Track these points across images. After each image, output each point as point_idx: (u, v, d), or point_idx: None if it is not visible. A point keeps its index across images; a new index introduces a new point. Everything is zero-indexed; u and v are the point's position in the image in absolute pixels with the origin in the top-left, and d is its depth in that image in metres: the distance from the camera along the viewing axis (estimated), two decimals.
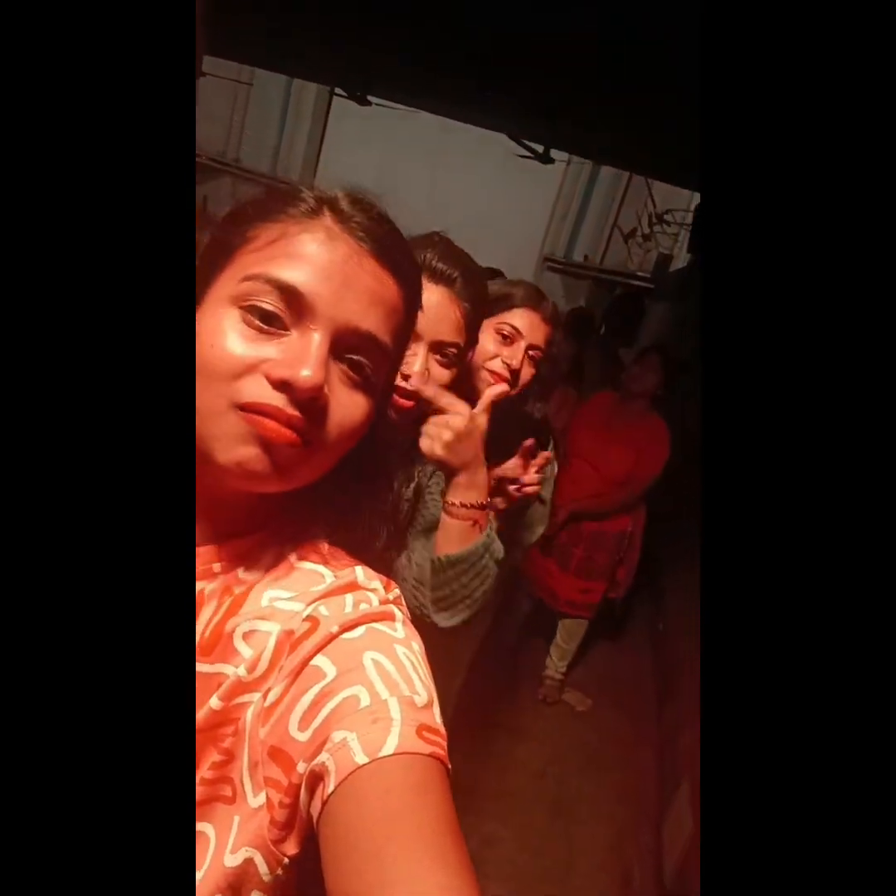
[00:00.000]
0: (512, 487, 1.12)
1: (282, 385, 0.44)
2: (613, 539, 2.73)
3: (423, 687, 0.43)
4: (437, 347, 0.96)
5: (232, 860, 0.42)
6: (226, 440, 0.45)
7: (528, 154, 4.31)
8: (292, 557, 0.52)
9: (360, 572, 0.51)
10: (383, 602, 0.49)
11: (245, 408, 0.44)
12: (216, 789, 0.45)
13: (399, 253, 0.50)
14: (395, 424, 0.57)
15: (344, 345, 0.47)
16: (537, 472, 1.14)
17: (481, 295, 1.03)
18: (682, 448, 2.60)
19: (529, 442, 1.12)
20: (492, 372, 1.17)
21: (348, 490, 0.54)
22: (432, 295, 0.92)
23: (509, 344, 1.20)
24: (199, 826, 0.44)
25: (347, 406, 0.48)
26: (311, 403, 0.45)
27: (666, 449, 2.62)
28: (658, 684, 3.01)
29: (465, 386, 1.10)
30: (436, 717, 0.42)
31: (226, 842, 0.43)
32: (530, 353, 1.22)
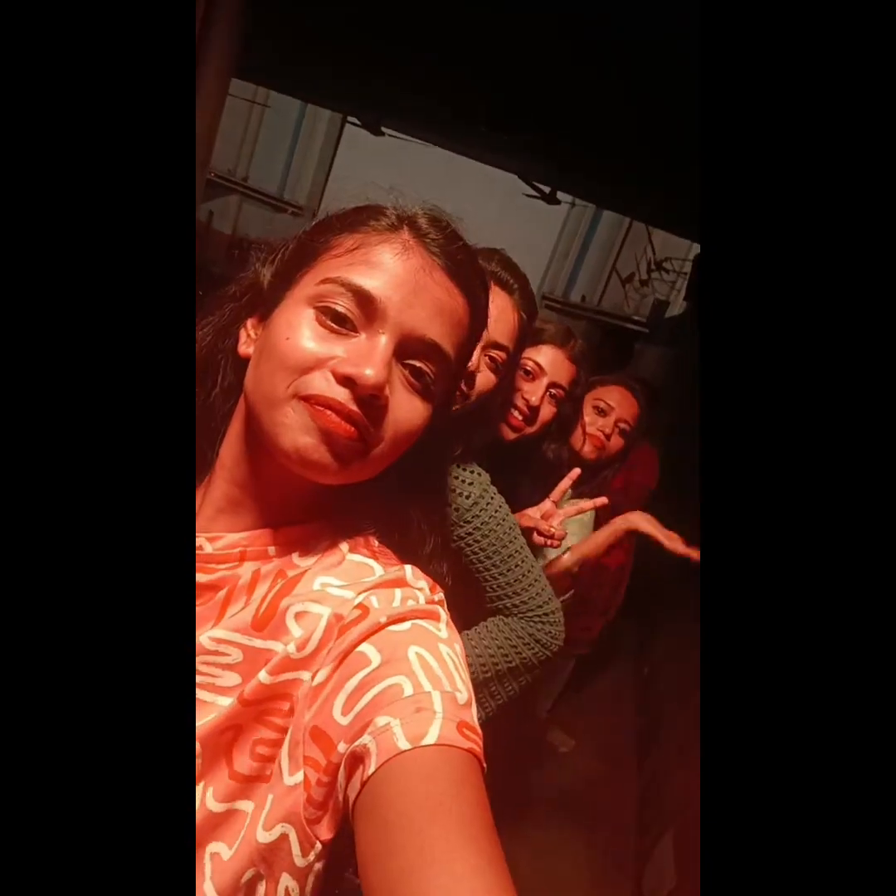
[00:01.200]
0: (537, 537, 1.12)
1: (346, 381, 0.46)
2: (614, 574, 2.71)
3: (463, 686, 0.44)
4: (491, 347, 0.98)
5: (266, 836, 0.43)
6: (289, 428, 0.47)
7: (535, 194, 4.40)
8: (344, 548, 0.53)
9: (409, 571, 0.52)
10: (429, 602, 0.50)
11: (309, 399, 0.46)
12: (264, 768, 0.46)
13: (470, 271, 0.53)
14: (452, 438, 0.59)
15: (408, 350, 0.49)
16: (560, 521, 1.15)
17: (533, 312, 1.05)
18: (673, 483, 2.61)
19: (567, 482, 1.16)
20: (511, 405, 1.16)
21: (403, 496, 0.56)
22: (495, 298, 0.93)
23: (531, 380, 1.18)
24: (241, 804, 0.45)
25: (406, 409, 0.49)
26: (371, 401, 0.47)
27: (655, 473, 2.62)
28: (640, 730, 2.98)
29: (483, 415, 1.11)
30: (474, 718, 0.43)
31: (259, 818, 0.44)
32: (552, 391, 1.19)
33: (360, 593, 0.48)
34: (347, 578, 0.50)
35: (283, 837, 0.42)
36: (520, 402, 1.15)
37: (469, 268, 0.52)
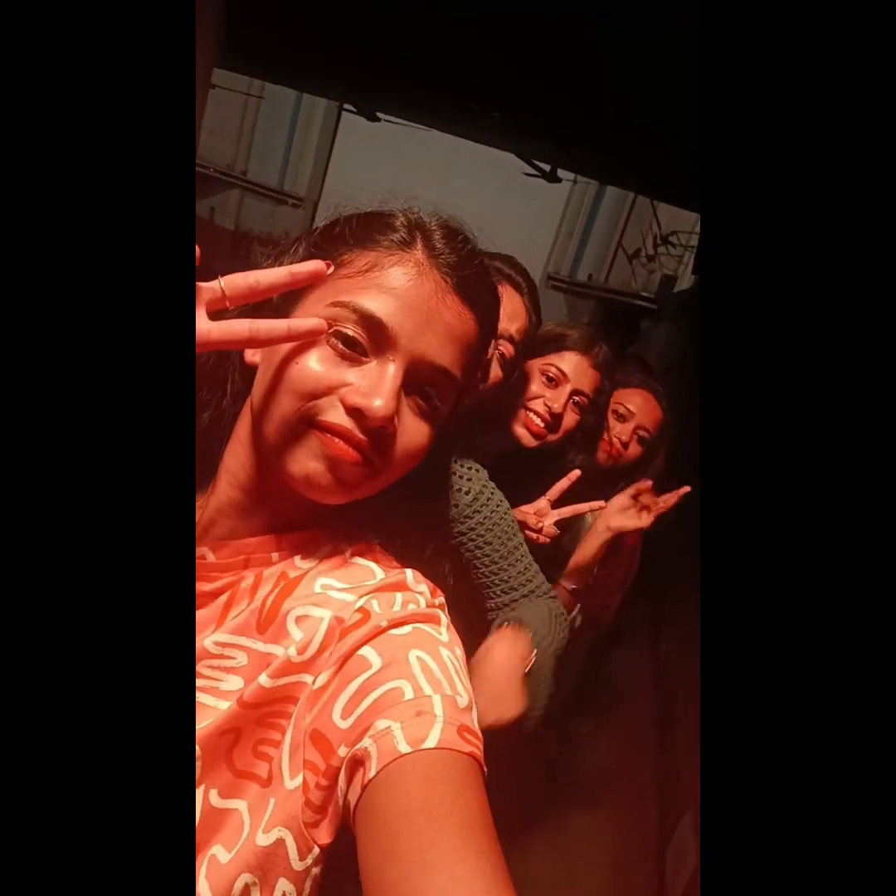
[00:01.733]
0: (528, 532, 1.11)
1: (355, 412, 0.46)
2: (628, 552, 2.69)
3: (464, 690, 0.44)
4: (503, 338, 1.00)
5: (264, 840, 0.43)
6: (298, 454, 0.47)
7: (535, 173, 4.35)
8: (347, 552, 0.53)
9: (410, 575, 0.52)
10: (430, 606, 0.50)
11: (319, 426, 0.47)
12: (254, 767, 0.46)
13: (482, 289, 0.53)
14: (453, 441, 0.60)
15: (418, 377, 0.49)
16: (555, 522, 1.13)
17: (539, 312, 1.08)
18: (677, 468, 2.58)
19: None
20: (531, 411, 1.13)
21: (404, 501, 0.57)
22: (508, 299, 0.99)
23: (554, 387, 1.15)
24: (233, 802, 0.46)
25: (412, 433, 0.50)
26: (379, 431, 0.47)
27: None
28: (660, 710, 2.98)
29: (503, 420, 1.14)
30: (474, 722, 0.43)
31: (259, 823, 0.44)
32: (575, 399, 1.16)
33: (361, 597, 0.48)
34: (348, 581, 0.50)
35: (280, 842, 0.42)
36: (541, 409, 1.12)
37: (481, 286, 0.53)
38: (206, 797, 0.45)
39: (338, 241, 0.52)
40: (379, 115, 4.35)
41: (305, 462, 0.47)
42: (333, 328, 0.48)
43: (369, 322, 0.47)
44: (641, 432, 1.38)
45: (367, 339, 0.47)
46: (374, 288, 0.48)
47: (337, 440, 0.46)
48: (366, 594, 0.48)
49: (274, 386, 0.48)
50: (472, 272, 0.51)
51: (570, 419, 1.16)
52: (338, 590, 0.49)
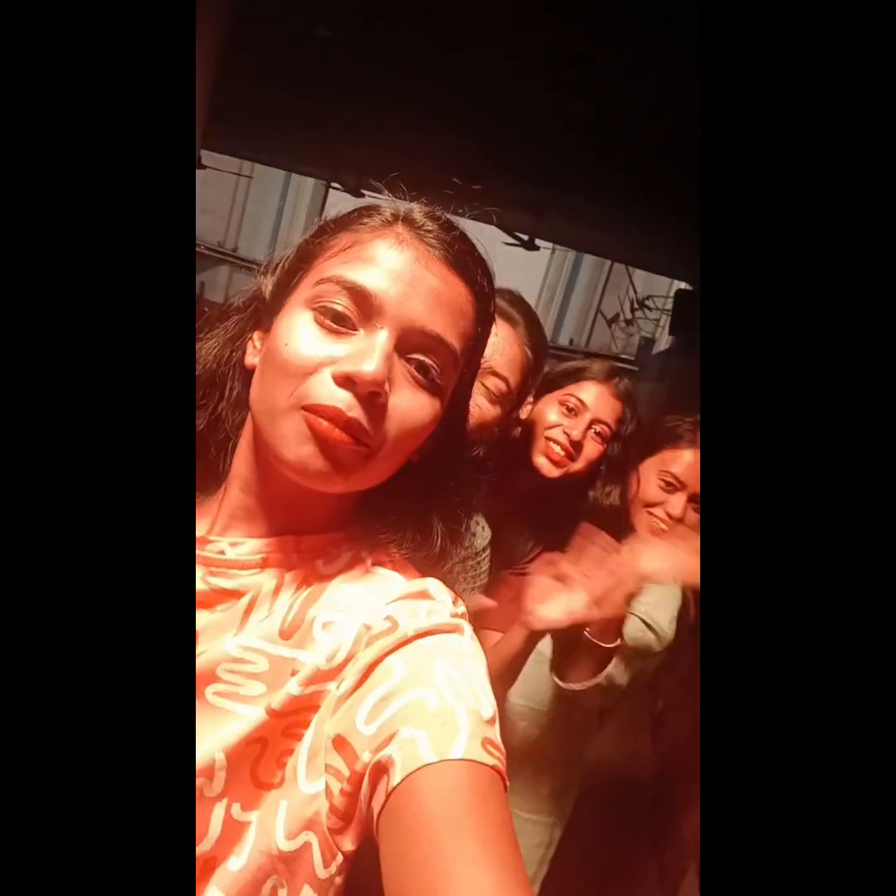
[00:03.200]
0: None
1: (345, 381, 0.45)
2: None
3: (488, 702, 0.43)
4: (488, 374, 0.97)
5: (289, 845, 0.42)
6: (290, 438, 0.46)
7: (514, 242, 4.52)
8: (368, 560, 0.53)
9: (432, 584, 0.51)
10: (453, 616, 0.49)
11: (308, 409, 0.46)
12: (274, 777, 0.45)
13: (469, 259, 0.51)
14: (472, 440, 0.58)
15: (410, 344, 0.48)
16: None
17: (541, 348, 1.05)
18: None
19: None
20: (551, 440, 1.11)
21: (423, 501, 0.55)
22: (497, 330, 0.92)
23: (573, 416, 1.13)
24: (253, 815, 0.45)
25: (410, 406, 0.48)
26: (371, 399, 0.46)
27: None
28: (655, 766, 2.88)
29: (521, 450, 1.13)
30: (498, 735, 0.42)
31: (271, 827, 0.43)
32: (596, 428, 1.13)
33: (387, 605, 0.48)
34: (373, 589, 0.50)
35: (306, 846, 0.42)
36: (560, 437, 1.10)
37: (468, 256, 0.51)
38: (228, 811, 0.44)
39: (322, 234, 0.52)
40: (363, 191, 4.54)
41: (297, 446, 0.46)
42: (320, 304, 0.47)
43: (354, 293, 0.47)
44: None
45: (354, 311, 0.47)
46: (356, 260, 0.48)
47: (323, 421, 0.45)
48: (391, 602, 0.48)
49: (268, 376, 0.48)
50: (456, 242, 0.50)
51: (592, 449, 1.13)
52: (363, 597, 0.49)
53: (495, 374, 0.98)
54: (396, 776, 0.37)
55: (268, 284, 0.55)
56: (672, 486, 1.17)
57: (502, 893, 0.33)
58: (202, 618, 0.48)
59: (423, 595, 0.50)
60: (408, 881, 0.35)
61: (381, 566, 0.53)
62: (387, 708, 0.41)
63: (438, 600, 0.50)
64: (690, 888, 1.85)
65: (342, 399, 0.45)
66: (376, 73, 2.59)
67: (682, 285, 5.29)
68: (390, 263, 0.48)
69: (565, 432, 1.10)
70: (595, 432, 1.13)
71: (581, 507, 1.14)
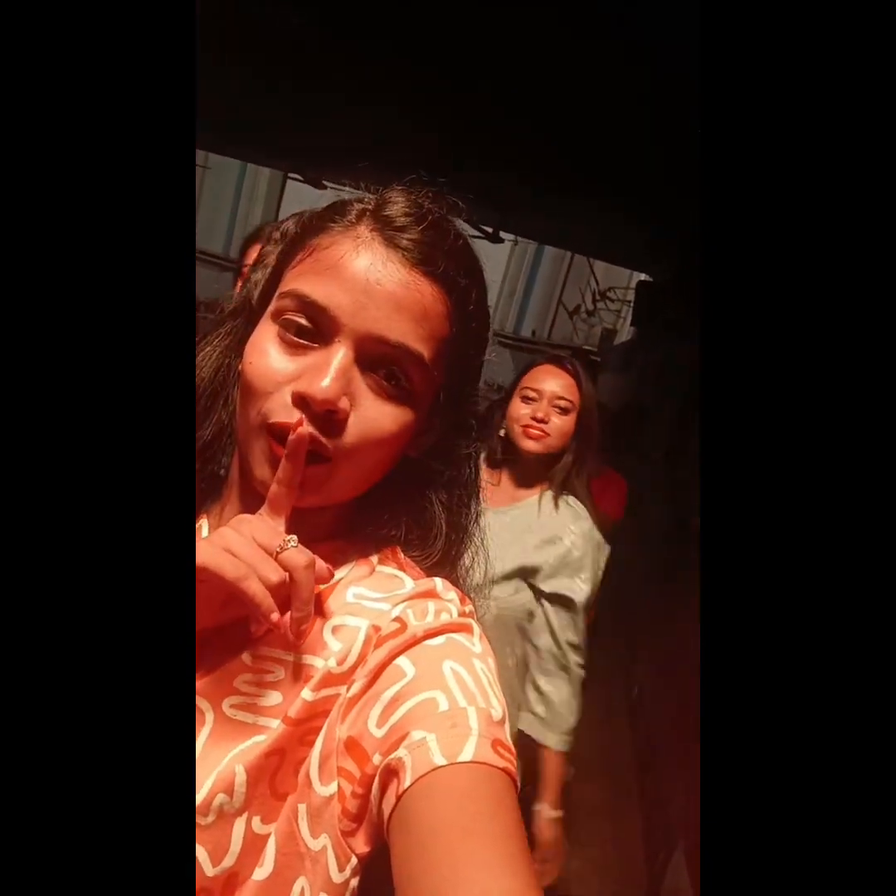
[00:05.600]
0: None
1: (300, 401, 0.45)
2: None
3: (497, 702, 0.43)
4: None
5: (315, 844, 0.42)
6: (256, 459, 0.47)
7: (479, 235, 4.52)
8: (374, 560, 0.52)
9: (439, 583, 0.51)
10: (461, 615, 0.49)
11: (269, 429, 0.46)
12: (291, 786, 0.45)
13: (438, 253, 0.48)
14: (473, 436, 0.58)
15: (371, 355, 0.46)
16: None
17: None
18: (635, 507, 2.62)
19: None
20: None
21: (425, 493, 0.55)
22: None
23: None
24: (273, 826, 0.44)
25: (374, 418, 0.47)
26: (328, 417, 0.45)
27: (622, 504, 2.59)
28: (637, 751, 2.94)
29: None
30: (507, 736, 0.42)
31: (292, 829, 0.43)
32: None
33: (395, 606, 0.47)
34: (380, 590, 0.49)
35: (324, 849, 0.42)
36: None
37: (437, 250, 0.47)
38: (249, 825, 0.43)
39: (292, 242, 0.51)
40: (325, 182, 4.47)
41: (261, 467, 0.46)
42: (283, 319, 0.46)
43: (309, 307, 0.46)
44: (560, 403, 1.31)
45: (312, 326, 0.46)
46: (311, 272, 0.47)
47: (276, 444, 0.45)
48: (399, 603, 0.48)
49: (241, 392, 0.48)
50: (423, 235, 0.47)
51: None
52: (371, 599, 0.49)
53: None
54: (407, 779, 0.37)
55: (256, 291, 0.53)
56: (532, 398, 1.31)
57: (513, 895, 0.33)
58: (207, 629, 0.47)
59: (431, 594, 0.49)
60: (420, 884, 0.34)
61: (386, 565, 0.52)
62: (397, 709, 0.41)
63: (446, 599, 0.49)
64: (677, 873, 1.89)
65: (298, 415, 0.44)
66: (342, 61, 2.55)
67: (643, 276, 5.36)
68: (344, 272, 0.46)
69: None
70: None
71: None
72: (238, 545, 0.42)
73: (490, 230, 4.53)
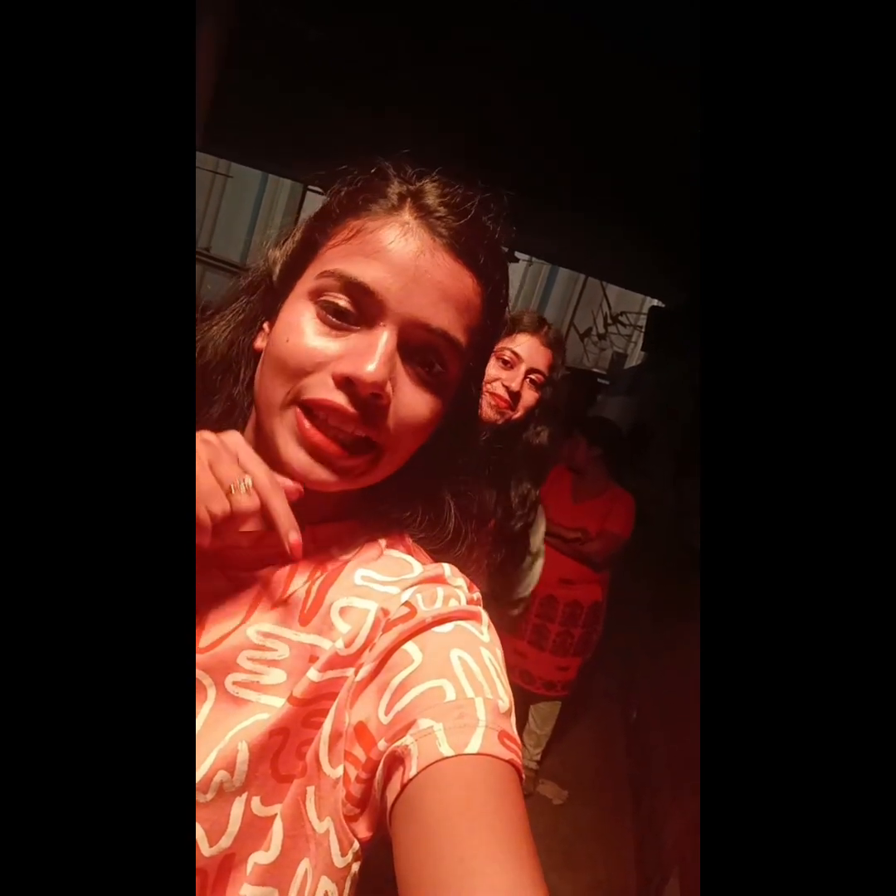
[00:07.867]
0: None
1: (345, 382, 0.44)
2: (588, 611, 2.65)
3: (504, 693, 0.43)
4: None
5: (321, 827, 0.42)
6: (280, 435, 0.46)
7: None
8: (382, 543, 0.52)
9: (447, 568, 0.51)
10: (470, 602, 0.48)
11: (307, 404, 0.45)
12: (295, 768, 0.44)
13: (479, 247, 0.48)
14: (484, 424, 0.58)
15: (414, 341, 0.46)
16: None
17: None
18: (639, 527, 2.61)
19: None
20: (493, 395, 1.23)
21: (434, 481, 0.55)
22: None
23: (509, 368, 1.26)
24: (275, 808, 0.44)
25: (414, 404, 0.47)
26: (372, 400, 0.44)
27: (629, 523, 2.58)
28: (632, 775, 2.89)
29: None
30: (514, 727, 0.42)
31: (300, 813, 0.43)
32: (531, 377, 1.27)
33: (404, 590, 0.47)
34: (388, 573, 0.49)
35: (327, 832, 0.42)
36: (500, 390, 1.23)
37: (477, 243, 0.48)
38: (248, 806, 0.43)
39: (326, 218, 0.51)
40: None
41: (294, 450, 0.45)
42: (323, 299, 0.46)
43: (355, 289, 0.45)
44: (533, 376, 1.29)
45: (355, 308, 0.46)
46: (359, 254, 0.46)
47: (315, 432, 0.44)
48: (408, 587, 0.47)
49: (268, 369, 0.47)
50: (466, 228, 0.48)
51: (529, 396, 1.27)
52: (379, 582, 0.48)
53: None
54: (413, 768, 0.37)
55: (277, 258, 0.53)
56: (510, 363, 1.27)
57: (519, 889, 0.33)
58: (213, 605, 0.47)
59: (439, 580, 0.49)
60: (423, 873, 0.35)
61: (395, 549, 0.52)
62: (404, 696, 0.41)
63: (454, 585, 0.49)
64: (672, 894, 1.85)
65: (341, 398, 0.44)
66: (360, 75, 2.59)
67: (655, 302, 5.38)
68: (394, 256, 0.46)
69: (504, 385, 1.24)
70: (531, 381, 1.28)
71: (512, 447, 1.29)
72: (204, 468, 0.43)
73: (506, 249, 4.56)
